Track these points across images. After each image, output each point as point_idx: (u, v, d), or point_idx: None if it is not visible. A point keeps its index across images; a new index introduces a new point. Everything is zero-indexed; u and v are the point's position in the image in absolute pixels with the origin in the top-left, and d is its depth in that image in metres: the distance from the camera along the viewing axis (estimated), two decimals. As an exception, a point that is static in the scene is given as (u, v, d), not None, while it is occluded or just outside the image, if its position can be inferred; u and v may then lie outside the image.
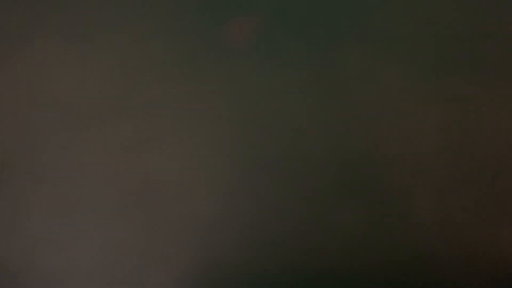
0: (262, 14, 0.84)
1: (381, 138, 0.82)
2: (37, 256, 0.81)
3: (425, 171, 0.82)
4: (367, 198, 0.82)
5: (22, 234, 0.81)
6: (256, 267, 0.81)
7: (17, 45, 0.83)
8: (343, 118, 0.83)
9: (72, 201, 0.81)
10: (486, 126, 0.83)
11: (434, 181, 0.82)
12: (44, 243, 0.81)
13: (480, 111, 0.83)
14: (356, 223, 0.82)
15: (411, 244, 0.81)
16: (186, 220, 0.82)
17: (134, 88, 0.83)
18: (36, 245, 0.81)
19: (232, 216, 0.82)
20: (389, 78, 0.83)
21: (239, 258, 0.81)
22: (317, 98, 0.83)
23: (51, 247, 0.81)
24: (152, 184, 0.82)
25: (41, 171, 0.81)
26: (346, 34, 0.83)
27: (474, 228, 0.82)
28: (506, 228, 0.81)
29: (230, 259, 0.81)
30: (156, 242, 0.81)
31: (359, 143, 0.82)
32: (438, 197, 0.82)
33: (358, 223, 0.82)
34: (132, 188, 0.82)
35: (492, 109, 0.83)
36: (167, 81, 0.83)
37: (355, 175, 0.82)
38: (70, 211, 0.81)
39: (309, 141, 0.82)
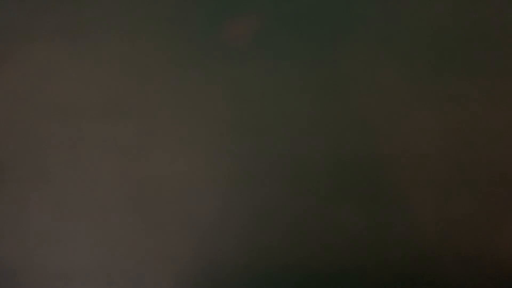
0: (262, 14, 0.84)
1: (381, 138, 0.82)
2: (37, 256, 0.81)
3: (425, 171, 0.82)
4: (367, 198, 0.82)
5: (22, 234, 0.81)
6: (256, 267, 0.81)
7: (17, 45, 0.83)
8: (343, 118, 0.83)
9: (72, 201, 0.81)
10: (486, 126, 0.83)
11: (434, 181, 0.82)
12: (44, 243, 0.81)
13: (480, 111, 0.83)
14: (356, 223, 0.82)
15: (411, 244, 0.81)
16: (186, 220, 0.82)
17: (134, 88, 0.83)
18: (36, 245, 0.81)
19: (231, 216, 0.82)
20: (389, 78, 0.83)
21: (238, 258, 0.81)
22: (317, 98, 0.83)
23: (51, 247, 0.81)
24: (152, 185, 0.82)
25: (41, 171, 0.82)
26: (346, 34, 0.83)
27: (474, 228, 0.82)
28: (506, 228, 0.81)
29: (230, 259, 0.81)
30: (156, 242, 0.81)
31: (359, 143, 0.82)
32: (438, 197, 0.82)
33: (358, 223, 0.82)
34: (132, 188, 0.82)
35: (492, 109, 0.83)
36: (167, 81, 0.83)
37: (355, 175, 0.82)
38: (71, 211, 0.81)
39: (309, 141, 0.83)
